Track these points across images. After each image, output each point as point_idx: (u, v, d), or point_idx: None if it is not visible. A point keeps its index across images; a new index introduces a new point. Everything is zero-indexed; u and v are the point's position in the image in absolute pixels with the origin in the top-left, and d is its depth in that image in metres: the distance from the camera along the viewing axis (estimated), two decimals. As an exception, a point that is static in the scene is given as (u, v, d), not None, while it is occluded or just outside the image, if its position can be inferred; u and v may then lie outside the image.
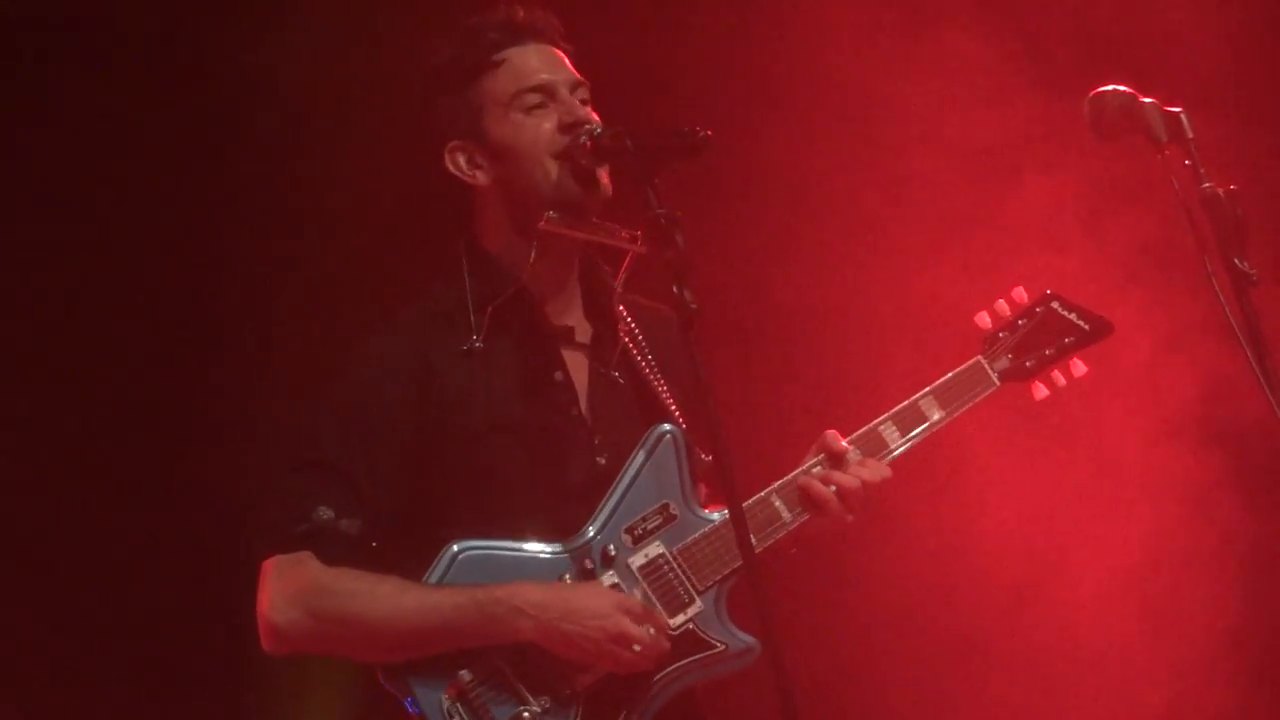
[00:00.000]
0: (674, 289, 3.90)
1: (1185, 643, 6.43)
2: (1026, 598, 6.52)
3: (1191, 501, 6.36)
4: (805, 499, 4.37)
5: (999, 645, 6.57)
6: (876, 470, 4.39)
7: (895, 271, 6.37)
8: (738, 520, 3.88)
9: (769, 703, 3.76)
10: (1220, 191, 3.90)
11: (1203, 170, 3.91)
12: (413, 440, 4.26)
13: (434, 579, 4.22)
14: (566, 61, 4.42)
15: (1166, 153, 3.97)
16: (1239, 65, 6.24)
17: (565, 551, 4.27)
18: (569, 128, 4.30)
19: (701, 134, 4.03)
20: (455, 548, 4.23)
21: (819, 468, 4.40)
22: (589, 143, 4.23)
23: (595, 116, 4.35)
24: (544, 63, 4.38)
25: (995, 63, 6.34)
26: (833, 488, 4.36)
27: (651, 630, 4.19)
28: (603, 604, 4.18)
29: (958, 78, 6.31)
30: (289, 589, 4.21)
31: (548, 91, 4.34)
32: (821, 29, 6.43)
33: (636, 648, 4.16)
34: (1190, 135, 3.94)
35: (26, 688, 6.02)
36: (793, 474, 4.40)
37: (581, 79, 4.40)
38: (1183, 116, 3.96)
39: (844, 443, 4.42)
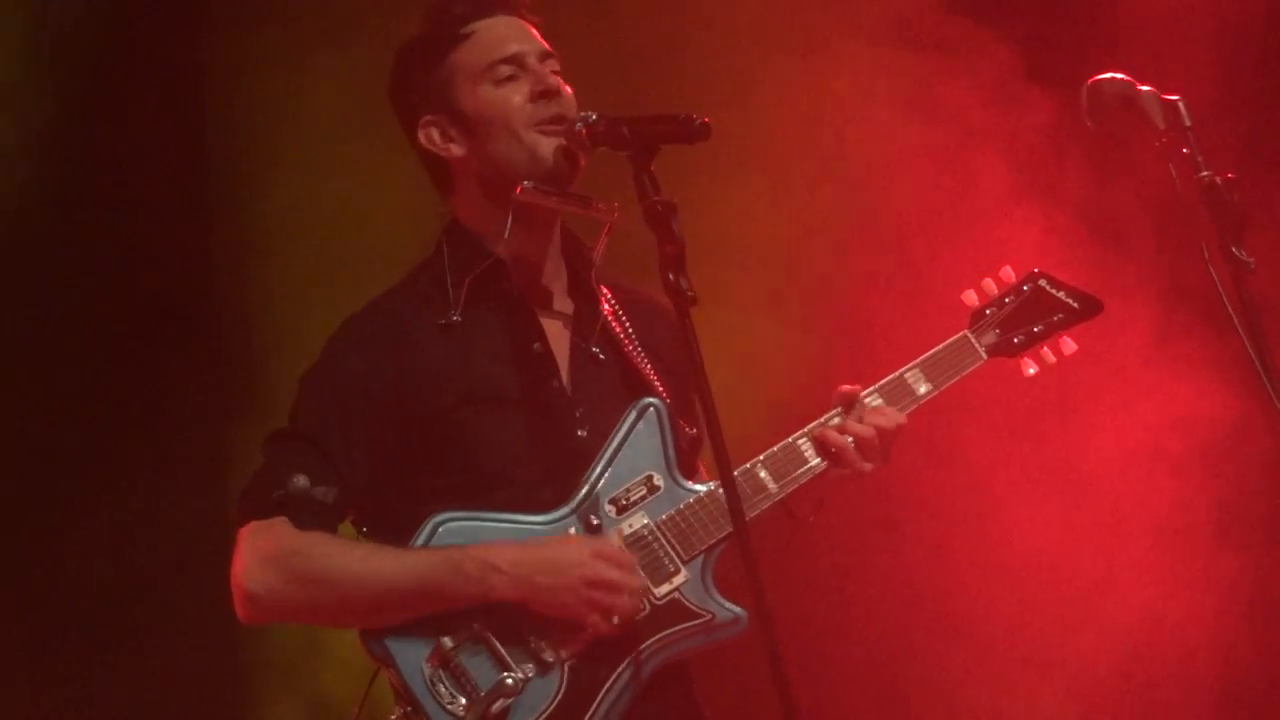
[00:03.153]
0: (670, 276, 3.90)
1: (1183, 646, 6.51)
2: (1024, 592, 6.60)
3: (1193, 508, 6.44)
4: (822, 448, 4.38)
5: (993, 636, 6.63)
6: (891, 417, 4.40)
7: (885, 250, 6.39)
8: (730, 492, 3.90)
9: (762, 680, 3.79)
10: (1218, 180, 3.91)
11: (1200, 159, 3.91)
12: (392, 415, 4.26)
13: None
14: (534, 32, 4.41)
15: (1164, 141, 3.97)
16: (1234, 53, 6.27)
17: (549, 522, 4.26)
18: (539, 96, 4.30)
19: (699, 121, 4.01)
20: (437, 518, 4.23)
21: (837, 419, 4.41)
22: (584, 130, 4.21)
23: (567, 88, 4.34)
24: (513, 33, 4.37)
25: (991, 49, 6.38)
26: (849, 438, 4.37)
27: (633, 574, 4.18)
28: (579, 553, 4.17)
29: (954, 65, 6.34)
30: (263, 552, 4.21)
31: (518, 62, 4.33)
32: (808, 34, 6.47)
33: (618, 594, 4.16)
34: (1188, 123, 3.95)
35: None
36: (784, 441, 4.41)
37: (550, 50, 4.39)
38: (1180, 104, 3.97)
39: (863, 392, 4.44)
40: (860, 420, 4.40)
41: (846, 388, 4.44)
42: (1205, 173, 3.91)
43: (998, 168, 6.25)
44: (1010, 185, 6.21)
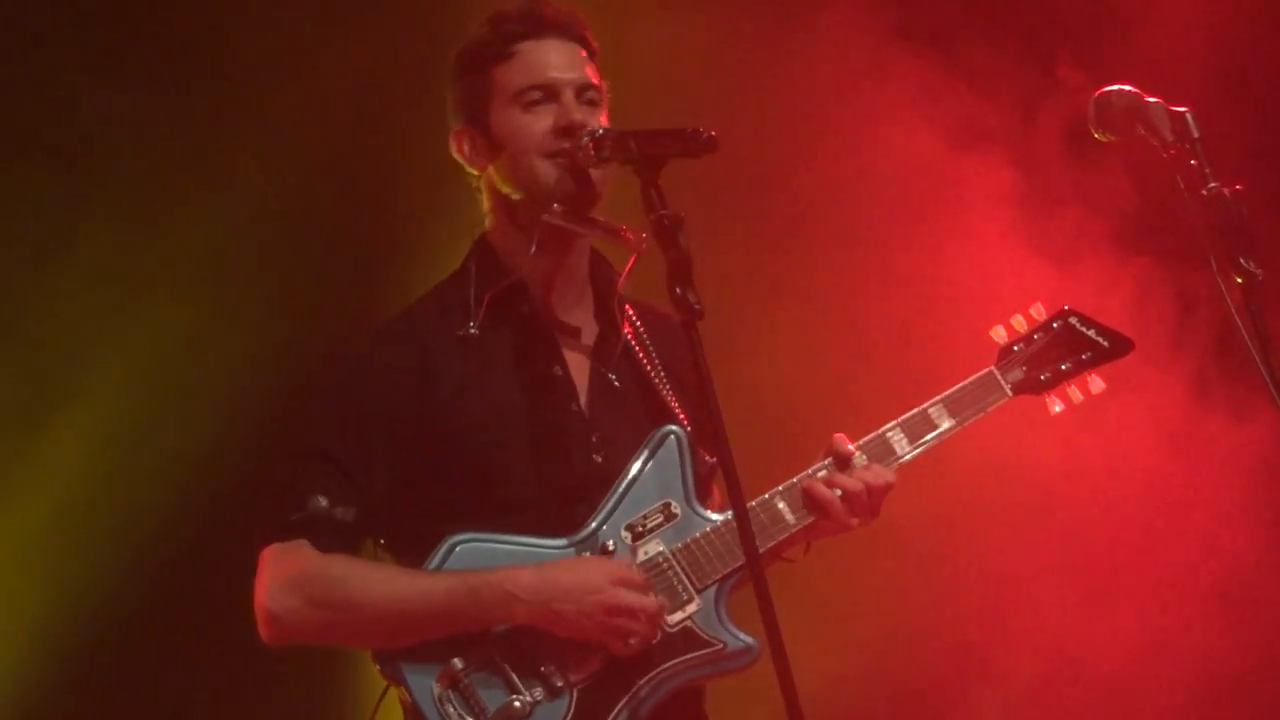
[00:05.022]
0: (676, 290, 3.90)
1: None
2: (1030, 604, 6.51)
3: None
4: (809, 501, 4.35)
5: (997, 656, 6.56)
6: (880, 475, 4.36)
7: (910, 278, 6.37)
8: (742, 520, 3.87)
9: (775, 706, 3.76)
10: (1226, 191, 3.88)
11: (1208, 170, 3.88)
12: (410, 430, 4.27)
13: (431, 569, 4.21)
14: (584, 61, 4.39)
15: (1172, 153, 3.95)
16: (1231, 61, 6.26)
17: (564, 546, 4.24)
18: (562, 131, 4.28)
19: (705, 135, 3.99)
20: (453, 539, 4.22)
21: (824, 471, 4.38)
22: (591, 144, 4.21)
23: (602, 120, 4.34)
24: (556, 60, 4.35)
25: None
26: (837, 491, 4.33)
27: (650, 597, 4.16)
28: (596, 578, 4.15)
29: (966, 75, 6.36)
30: (284, 576, 4.22)
31: (550, 90, 4.32)
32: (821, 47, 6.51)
33: (635, 618, 4.13)
34: (1196, 135, 3.92)
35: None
36: (798, 476, 4.38)
37: (595, 81, 4.37)
38: (1188, 116, 3.95)
39: (851, 447, 4.40)
40: (851, 475, 4.36)
41: (839, 436, 4.41)
42: (1213, 184, 3.88)
43: (1015, 187, 6.25)
44: (1022, 200, 6.21)
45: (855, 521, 4.35)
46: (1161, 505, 6.35)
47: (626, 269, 4.38)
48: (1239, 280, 3.83)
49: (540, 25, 4.38)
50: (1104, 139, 4.05)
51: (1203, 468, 6.28)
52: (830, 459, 4.40)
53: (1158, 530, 6.39)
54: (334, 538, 4.24)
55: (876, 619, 6.59)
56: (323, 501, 4.24)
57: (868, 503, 4.34)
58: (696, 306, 3.89)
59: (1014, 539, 6.45)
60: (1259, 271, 3.81)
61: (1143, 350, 4.53)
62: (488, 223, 4.46)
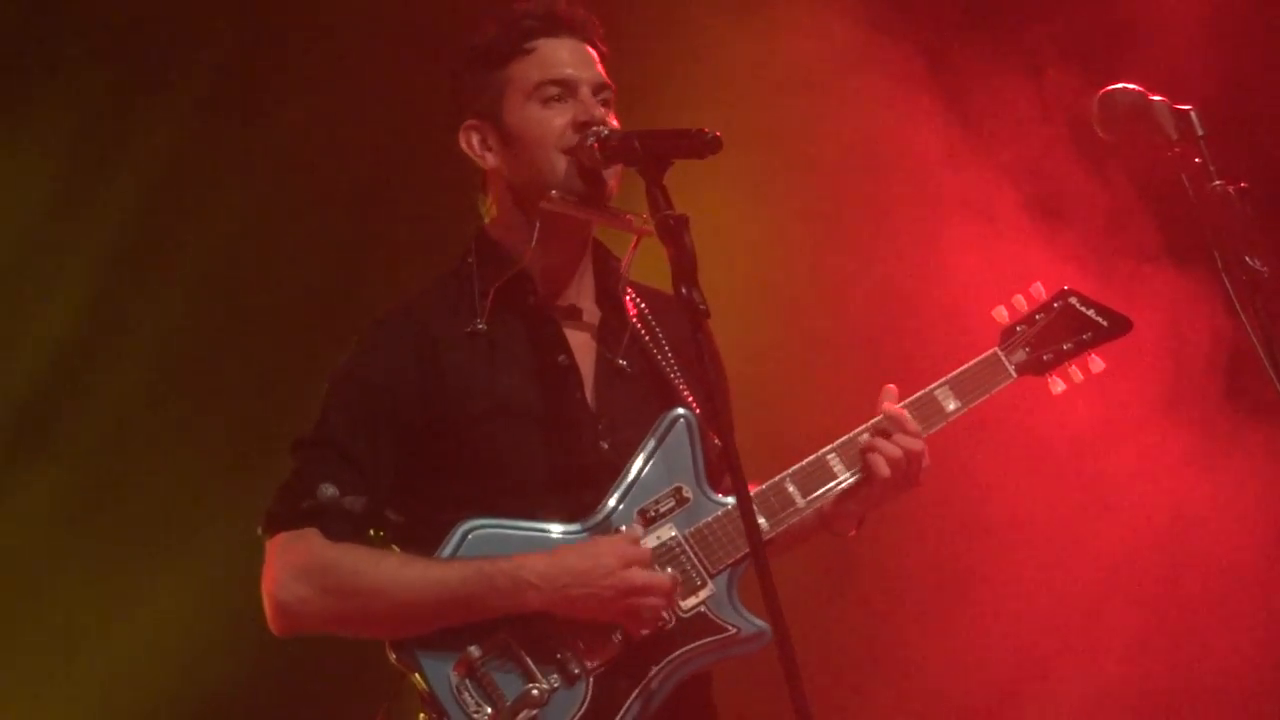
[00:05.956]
0: (682, 290, 3.94)
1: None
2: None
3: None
4: (851, 465, 4.39)
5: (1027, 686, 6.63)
6: (915, 442, 4.39)
7: (916, 262, 6.38)
8: (745, 508, 3.94)
9: (780, 691, 3.81)
10: (1231, 189, 3.91)
11: (1213, 168, 3.91)
12: (418, 422, 4.30)
13: (444, 556, 4.24)
14: (597, 62, 4.43)
15: (1176, 151, 3.97)
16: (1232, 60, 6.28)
17: (578, 532, 4.28)
18: (581, 126, 4.31)
19: (711, 135, 4.03)
20: (466, 525, 4.25)
21: (866, 436, 4.41)
22: (596, 144, 4.24)
23: (615, 122, 4.36)
24: (573, 58, 4.39)
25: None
26: (879, 455, 4.37)
27: (665, 573, 4.22)
28: (607, 560, 4.19)
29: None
30: (293, 564, 4.24)
31: (569, 87, 4.36)
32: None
33: (648, 595, 4.18)
34: (1200, 133, 3.95)
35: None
36: (814, 455, 4.42)
37: (608, 82, 4.41)
38: (1193, 114, 3.97)
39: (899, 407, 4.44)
40: (889, 439, 4.41)
41: (890, 404, 4.44)
42: (1218, 182, 3.91)
43: (1016, 182, 6.26)
44: (1029, 199, 6.23)
45: (893, 487, 4.39)
46: (1189, 531, 6.38)
47: (630, 251, 4.41)
48: (1244, 278, 3.86)
49: (558, 24, 4.41)
50: (1109, 138, 4.07)
51: (1231, 489, 6.32)
52: (874, 421, 4.43)
53: (1186, 556, 6.42)
54: (344, 527, 4.27)
55: (907, 637, 6.68)
56: (332, 490, 4.26)
57: (905, 469, 4.38)
58: (702, 306, 3.94)
59: (1043, 564, 6.52)
60: (1264, 269, 3.85)
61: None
62: (487, 217, 4.49)
